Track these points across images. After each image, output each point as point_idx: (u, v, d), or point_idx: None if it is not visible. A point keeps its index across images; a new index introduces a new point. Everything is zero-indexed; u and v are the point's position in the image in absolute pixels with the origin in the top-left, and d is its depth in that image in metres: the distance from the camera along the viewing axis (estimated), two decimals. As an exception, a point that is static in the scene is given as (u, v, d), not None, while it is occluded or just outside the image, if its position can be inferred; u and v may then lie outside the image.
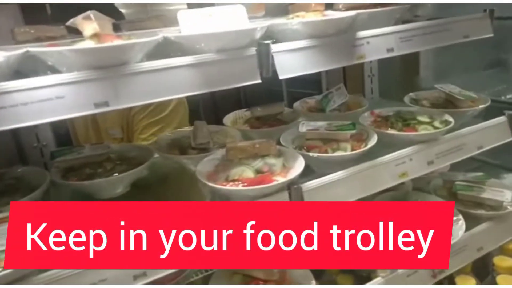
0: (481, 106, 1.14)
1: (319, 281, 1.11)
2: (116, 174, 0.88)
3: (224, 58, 0.74)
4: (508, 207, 1.14)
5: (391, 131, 1.03)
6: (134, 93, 0.67)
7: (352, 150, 0.95)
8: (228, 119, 1.21)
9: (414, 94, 1.28)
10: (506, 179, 1.68)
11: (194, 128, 1.06)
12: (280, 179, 0.82)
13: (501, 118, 1.16)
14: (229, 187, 0.80)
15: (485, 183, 1.21)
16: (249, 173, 0.83)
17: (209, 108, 2.61)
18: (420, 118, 1.06)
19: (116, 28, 0.92)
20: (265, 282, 0.89)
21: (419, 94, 1.28)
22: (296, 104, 1.32)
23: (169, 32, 0.75)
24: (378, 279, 0.96)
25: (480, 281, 1.11)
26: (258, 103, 1.24)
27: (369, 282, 0.96)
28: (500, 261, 1.07)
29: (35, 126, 1.07)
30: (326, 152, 0.95)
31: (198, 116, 1.55)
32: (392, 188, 1.24)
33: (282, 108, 1.24)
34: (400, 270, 0.98)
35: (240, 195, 0.81)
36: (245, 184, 0.80)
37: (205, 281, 1.04)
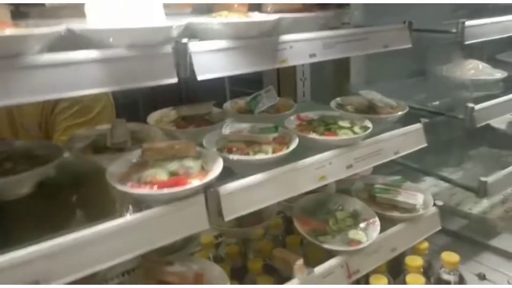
0: (399, 113, 1.20)
1: (243, 283, 1.11)
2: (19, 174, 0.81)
3: (135, 55, 0.70)
4: (420, 209, 1.21)
5: (312, 135, 1.04)
6: (28, 88, 0.61)
7: (274, 152, 0.95)
8: (152, 117, 1.17)
9: (340, 99, 1.32)
10: (426, 182, 1.80)
11: (111, 126, 1.01)
12: (194, 182, 0.80)
13: (417, 125, 1.22)
14: (138, 190, 0.76)
15: (401, 186, 1.27)
16: (162, 175, 0.80)
17: (149, 105, 2.54)
18: (341, 123, 1.09)
19: (23, 15, 0.85)
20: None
21: (345, 99, 1.32)
22: (226, 105, 1.31)
23: (75, 24, 0.69)
24: (295, 280, 0.97)
25: (394, 279, 1.16)
26: (199, 100, 1.21)
27: (287, 282, 0.96)
28: (411, 260, 1.13)
29: None
30: (247, 154, 0.95)
31: (136, 114, 1.48)
32: (315, 190, 1.28)
33: (210, 108, 1.21)
34: (316, 271, 1.00)
35: (151, 199, 0.77)
36: (156, 187, 0.77)
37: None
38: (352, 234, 1.09)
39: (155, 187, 0.77)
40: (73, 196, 0.84)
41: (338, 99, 1.31)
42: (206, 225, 0.83)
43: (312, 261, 1.03)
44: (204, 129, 1.09)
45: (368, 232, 1.11)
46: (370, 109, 1.23)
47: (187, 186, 0.78)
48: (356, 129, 1.07)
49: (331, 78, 1.72)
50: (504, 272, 1.29)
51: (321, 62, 0.98)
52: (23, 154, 0.90)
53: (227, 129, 0.99)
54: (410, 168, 1.63)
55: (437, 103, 1.76)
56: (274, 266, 1.11)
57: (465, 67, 1.80)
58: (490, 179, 1.36)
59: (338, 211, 1.17)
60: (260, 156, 0.94)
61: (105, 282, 1.02)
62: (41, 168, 0.81)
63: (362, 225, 1.13)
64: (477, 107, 1.35)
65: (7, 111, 1.33)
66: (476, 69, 1.84)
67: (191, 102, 1.20)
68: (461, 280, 1.15)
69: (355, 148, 1.06)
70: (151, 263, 0.91)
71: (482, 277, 1.27)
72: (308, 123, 1.13)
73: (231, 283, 0.95)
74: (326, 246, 1.04)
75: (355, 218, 1.15)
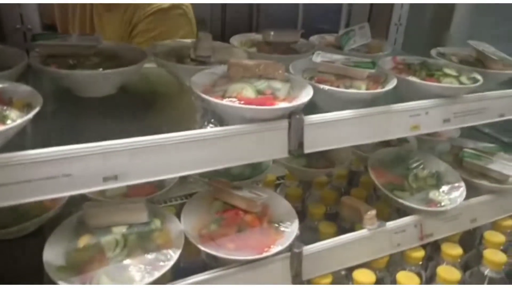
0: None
1: (301, 225, 1.06)
2: (101, 69, 0.78)
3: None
4: (513, 183, 1.08)
5: (412, 78, 0.92)
6: None
7: (367, 90, 0.86)
8: (235, 39, 1.10)
9: (442, 49, 1.17)
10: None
11: (197, 39, 0.95)
12: (282, 105, 0.73)
13: (531, 89, 1.06)
14: (224, 102, 0.71)
15: (495, 154, 1.13)
16: (249, 92, 0.74)
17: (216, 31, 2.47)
18: (447, 71, 0.96)
19: None
20: (245, 212, 0.83)
21: (448, 49, 1.17)
22: (313, 38, 1.21)
23: None
24: (364, 230, 0.91)
25: (465, 252, 1.06)
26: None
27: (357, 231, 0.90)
28: (492, 236, 1.02)
29: (20, 6, 0.95)
30: (338, 87, 0.86)
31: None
32: (395, 144, 1.18)
33: (297, 37, 1.12)
34: (388, 226, 0.93)
35: (235, 113, 0.72)
36: (242, 102, 0.71)
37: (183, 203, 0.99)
38: (433, 194, 1.00)
39: (242, 102, 0.71)
40: (152, 104, 0.81)
41: (439, 48, 1.16)
42: (285, 153, 0.77)
43: (378, 216, 0.96)
44: (290, 56, 1.01)
45: (451, 196, 1.00)
46: (478, 63, 1.07)
47: (275, 106, 0.71)
48: (463, 79, 0.94)
49: (428, 28, 1.54)
50: None
51: (420, 8, 0.85)
52: (109, 54, 0.87)
53: (318, 57, 0.90)
54: (500, 141, 1.47)
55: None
56: (337, 214, 1.06)
57: None
58: None
59: (418, 169, 1.07)
60: (352, 90, 0.84)
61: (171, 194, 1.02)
62: (126, 68, 0.78)
63: (445, 187, 1.02)
64: None
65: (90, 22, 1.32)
66: None
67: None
68: (545, 267, 1.03)
69: (457, 101, 0.94)
70: (220, 184, 0.88)
71: None
72: (406, 66, 1.00)
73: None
74: (402, 201, 0.96)
75: (438, 179, 1.05)
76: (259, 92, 0.76)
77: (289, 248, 0.80)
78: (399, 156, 1.11)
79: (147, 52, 0.88)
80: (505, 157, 1.14)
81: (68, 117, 0.77)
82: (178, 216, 0.83)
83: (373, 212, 0.91)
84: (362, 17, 1.50)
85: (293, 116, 0.75)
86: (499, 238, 1.02)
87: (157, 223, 0.76)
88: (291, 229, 0.83)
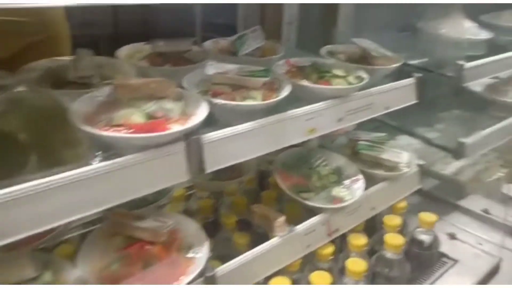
0: (394, 65, 1.11)
1: (215, 240, 1.04)
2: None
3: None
4: (403, 168, 1.17)
5: (305, 83, 0.94)
6: None
7: (263, 99, 0.85)
8: (122, 51, 1.01)
9: (331, 47, 1.21)
10: (400, 141, 1.78)
11: (75, 57, 0.85)
12: (175, 127, 0.69)
13: (409, 80, 1.15)
14: (109, 132, 0.64)
15: (386, 143, 1.22)
16: (139, 117, 0.68)
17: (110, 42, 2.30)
18: (336, 72, 0.99)
19: None
20: (151, 244, 0.77)
21: (336, 47, 1.22)
22: (207, 43, 1.17)
23: None
24: (276, 238, 0.91)
25: (369, 238, 1.14)
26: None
27: (268, 241, 0.90)
28: (390, 220, 1.11)
29: None
30: (233, 99, 0.84)
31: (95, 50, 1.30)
32: (298, 144, 1.20)
33: (190, 46, 1.07)
34: (298, 229, 0.94)
35: (124, 143, 0.66)
36: (132, 130, 0.65)
37: (82, 239, 0.89)
38: (336, 191, 1.04)
39: (131, 130, 0.65)
40: (27, 138, 0.71)
41: (328, 46, 1.20)
42: (185, 177, 0.73)
43: (288, 218, 0.97)
44: (184, 68, 0.96)
45: (352, 190, 1.06)
46: (363, 59, 1.13)
47: (168, 131, 0.67)
48: (351, 79, 0.99)
49: (318, 25, 1.59)
50: (474, 232, 1.31)
51: (309, 6, 0.86)
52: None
53: (212, 69, 0.87)
54: (388, 125, 1.60)
55: (422, 60, 1.71)
56: (249, 221, 1.05)
57: (451, 25, 1.74)
58: (468, 140, 1.34)
59: (321, 167, 1.11)
60: (249, 102, 0.83)
61: (65, 233, 0.92)
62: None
63: (346, 182, 1.08)
64: (467, 65, 1.30)
65: None
66: (461, 28, 1.78)
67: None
68: (436, 240, 1.15)
69: (348, 100, 0.98)
70: (119, 217, 0.81)
71: (453, 237, 1.29)
72: (299, 69, 1.02)
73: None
74: (309, 203, 0.98)
75: (339, 175, 1.09)
76: (149, 116, 0.70)
77: (201, 274, 0.77)
78: (302, 156, 1.14)
79: (14, 79, 0.76)
80: (395, 144, 1.24)
81: None
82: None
83: (282, 219, 0.92)
84: (254, 19, 1.50)
85: (190, 137, 0.71)
86: (396, 221, 1.10)
87: (47, 276, 0.67)
88: (202, 253, 0.80)
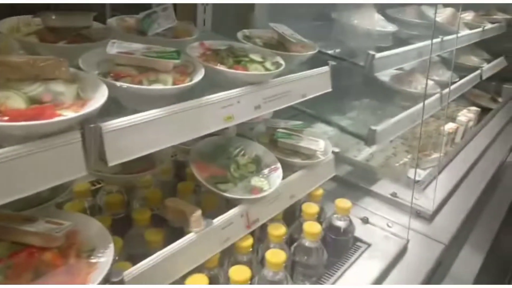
0: (311, 52, 1.10)
1: (127, 238, 0.94)
2: None
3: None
4: (320, 155, 1.18)
5: (220, 67, 0.88)
6: None
7: (174, 84, 0.77)
8: (4, 24, 0.85)
9: (248, 31, 1.17)
10: (316, 129, 1.81)
11: None
12: (68, 114, 0.58)
13: (325, 68, 1.16)
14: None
15: (303, 131, 1.22)
16: (18, 102, 0.56)
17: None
18: (253, 57, 0.95)
19: None
20: (43, 250, 0.66)
21: (253, 31, 1.18)
22: (110, 21, 1.04)
23: None
24: (191, 234, 0.85)
25: (288, 226, 1.13)
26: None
27: (183, 237, 0.83)
28: (307, 207, 1.10)
29: None
30: (140, 83, 0.75)
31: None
32: (215, 133, 1.14)
33: (89, 21, 0.95)
34: (215, 223, 0.89)
35: (2, 133, 0.54)
36: (8, 118, 0.53)
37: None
38: (255, 181, 1.01)
39: (7, 117, 0.53)
40: None
41: (245, 30, 1.16)
42: (82, 171, 0.63)
43: (206, 209, 0.92)
44: (81, 46, 0.84)
45: (271, 179, 1.03)
46: (280, 45, 1.11)
47: (56, 119, 0.56)
48: (268, 65, 0.95)
49: (234, 8, 1.54)
50: (384, 216, 1.37)
51: None
52: None
53: (114, 48, 0.77)
54: (305, 114, 1.61)
55: (334, 49, 1.75)
56: (163, 216, 0.97)
57: (363, 17, 1.81)
58: (379, 128, 1.40)
59: (239, 156, 1.06)
60: (157, 86, 0.75)
61: None
62: None
63: (265, 171, 1.04)
64: (378, 55, 1.35)
65: None
66: (371, 20, 1.86)
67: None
68: (351, 225, 1.18)
69: (265, 87, 0.94)
70: (2, 220, 0.68)
71: (365, 221, 1.33)
72: (214, 53, 0.96)
73: (112, 238, 0.78)
74: (227, 195, 0.93)
75: (258, 164, 1.06)
76: (33, 100, 0.58)
77: (106, 280, 0.67)
78: (220, 146, 1.08)
79: None
80: (312, 132, 1.24)
81: None
82: None
83: (198, 213, 0.85)
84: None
85: (86, 126, 0.61)
86: (314, 209, 1.10)
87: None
88: (106, 256, 0.70)
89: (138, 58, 0.77)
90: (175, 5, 1.47)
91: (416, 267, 1.18)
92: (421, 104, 1.59)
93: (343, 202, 1.17)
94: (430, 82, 1.95)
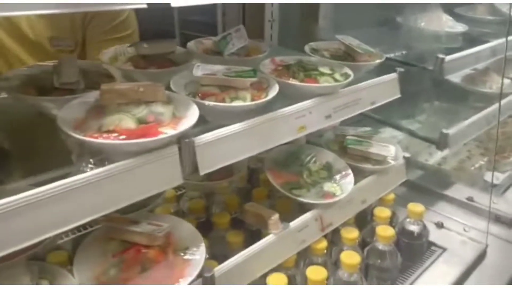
0: (378, 61, 1.13)
1: (209, 239, 1.04)
2: None
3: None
4: (391, 161, 1.19)
5: (293, 81, 0.95)
6: None
7: (252, 99, 0.85)
8: (105, 55, 1.00)
9: (315, 44, 1.22)
10: (384, 134, 1.81)
11: (58, 63, 0.84)
12: (169, 131, 0.69)
13: (393, 75, 1.17)
14: (101, 139, 0.64)
15: (373, 137, 1.24)
16: (129, 123, 0.67)
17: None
18: (322, 69, 1.01)
19: None
20: (147, 248, 0.77)
21: (319, 44, 1.23)
22: (190, 44, 1.16)
23: None
24: (270, 236, 0.92)
25: (361, 231, 1.15)
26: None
27: (263, 239, 0.91)
28: (380, 212, 1.13)
29: None
30: (223, 100, 0.84)
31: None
32: (287, 142, 1.21)
33: (174, 47, 1.07)
34: (292, 226, 0.95)
35: (118, 150, 0.65)
36: (124, 136, 0.64)
37: (75, 244, 0.88)
38: (327, 186, 1.05)
39: (123, 136, 0.64)
40: (16, 147, 0.69)
41: (312, 43, 1.21)
42: (179, 180, 0.73)
43: (280, 214, 0.98)
44: (169, 70, 0.95)
45: (342, 184, 1.07)
46: (347, 56, 1.15)
47: (161, 136, 0.66)
48: (337, 76, 1.00)
49: (299, 22, 1.60)
50: (459, 220, 1.34)
51: (289, 4, 0.87)
52: None
53: (199, 70, 0.87)
54: (372, 119, 1.63)
55: (401, 53, 1.74)
56: (242, 220, 1.06)
57: (430, 19, 1.78)
58: (451, 131, 1.38)
59: (311, 163, 1.12)
60: (239, 103, 0.83)
61: (56, 239, 0.90)
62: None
63: (336, 177, 1.09)
64: (447, 58, 1.33)
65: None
66: (438, 21, 1.82)
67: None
68: (425, 229, 1.18)
69: (335, 97, 0.99)
70: (113, 222, 0.80)
71: (440, 226, 1.32)
72: (285, 68, 1.03)
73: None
74: (301, 199, 0.99)
75: (329, 170, 1.11)
76: (141, 120, 0.70)
77: (200, 275, 0.77)
78: (292, 153, 1.14)
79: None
80: (381, 138, 1.26)
81: None
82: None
83: (276, 217, 0.92)
84: (236, 18, 1.50)
85: (182, 141, 0.71)
86: (386, 213, 1.12)
87: (44, 285, 0.66)
88: (199, 254, 0.80)
89: (220, 78, 0.86)
90: (243, 21, 1.58)
91: (497, 272, 1.15)
92: (496, 105, 1.53)
93: (415, 206, 1.17)
94: (507, 81, 1.86)
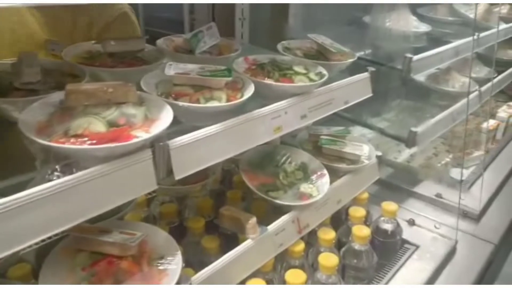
0: (350, 60, 1.13)
1: (183, 245, 1.00)
2: None
3: None
4: (365, 160, 1.20)
5: (268, 81, 0.93)
6: None
7: (228, 100, 0.82)
8: (68, 52, 0.94)
9: (287, 43, 1.21)
10: (354, 131, 1.83)
11: (17, 61, 0.77)
12: (142, 135, 0.64)
13: (365, 74, 1.18)
14: (69, 145, 0.59)
15: (346, 137, 1.24)
16: (98, 126, 0.63)
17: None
18: (296, 69, 0.99)
19: None
20: (120, 258, 0.72)
21: (291, 42, 1.21)
22: (160, 42, 1.11)
23: None
24: (248, 241, 0.89)
25: (336, 231, 1.15)
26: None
27: (241, 244, 0.88)
28: (355, 211, 1.13)
29: None
30: (197, 101, 0.80)
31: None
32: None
33: (143, 45, 1.02)
34: (270, 229, 0.93)
35: (87, 155, 0.60)
36: (94, 141, 0.60)
37: (39, 255, 0.82)
38: (303, 187, 1.04)
39: (93, 141, 0.59)
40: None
41: (284, 42, 1.20)
42: (154, 186, 0.69)
43: (256, 217, 0.96)
44: (139, 69, 0.90)
45: (319, 185, 1.06)
46: (320, 55, 1.14)
47: (134, 140, 0.62)
48: (312, 75, 0.99)
49: (269, 20, 1.59)
50: (430, 217, 1.37)
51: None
52: None
53: (171, 69, 0.83)
54: (343, 118, 1.64)
55: (368, 52, 1.76)
56: (217, 224, 1.02)
57: (397, 19, 1.81)
58: (419, 129, 1.40)
59: (286, 164, 1.10)
60: (214, 104, 0.80)
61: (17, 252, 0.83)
62: None
63: (312, 177, 1.08)
64: (415, 58, 1.36)
65: None
66: (405, 21, 1.86)
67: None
68: (398, 227, 1.19)
69: (310, 96, 0.98)
70: (82, 232, 0.75)
71: (412, 223, 1.34)
72: (259, 67, 1.00)
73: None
74: (279, 202, 0.97)
75: (305, 171, 1.09)
76: (111, 123, 0.65)
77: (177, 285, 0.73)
78: (267, 154, 1.12)
79: None
80: (354, 138, 1.26)
81: None
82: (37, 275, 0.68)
83: (253, 220, 0.90)
84: (205, 16, 1.46)
85: (156, 144, 0.67)
86: (361, 212, 1.12)
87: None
88: (175, 263, 0.76)
89: (194, 77, 0.83)
90: (213, 19, 1.54)
91: (467, 267, 1.18)
92: (460, 103, 1.58)
93: (389, 205, 1.18)
94: (468, 80, 1.93)
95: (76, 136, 0.61)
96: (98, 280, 0.69)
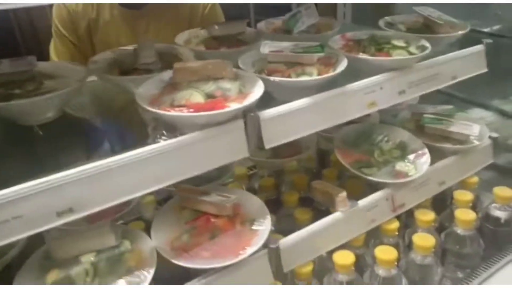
0: (460, 32, 1.04)
1: (277, 216, 1.06)
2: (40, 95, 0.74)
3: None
4: (474, 141, 1.10)
5: (362, 56, 0.92)
6: None
7: (319, 75, 0.85)
8: (180, 38, 1.06)
9: (390, 18, 1.16)
10: (471, 114, 1.66)
11: (138, 46, 0.91)
12: (234, 105, 0.71)
13: (479, 47, 1.07)
14: (172, 112, 0.68)
15: (454, 116, 1.15)
16: (198, 97, 0.72)
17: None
18: (395, 43, 0.96)
19: None
20: (217, 217, 0.81)
21: (395, 18, 1.17)
22: (260, 25, 1.18)
23: None
24: (337, 213, 0.91)
25: (438, 214, 1.09)
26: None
27: (330, 215, 0.90)
28: (460, 195, 1.05)
29: None
30: (289, 76, 0.84)
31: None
32: (357, 120, 1.18)
33: (243, 27, 1.09)
34: (360, 204, 0.93)
35: (186, 122, 0.69)
36: (192, 110, 0.68)
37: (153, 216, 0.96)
38: (400, 166, 1.01)
39: (192, 109, 0.68)
40: (102, 121, 0.78)
41: (387, 17, 1.16)
42: (245, 153, 0.75)
43: (351, 194, 0.96)
44: (238, 50, 0.98)
45: (417, 164, 1.02)
46: (426, 28, 1.08)
47: (227, 109, 0.69)
48: (412, 49, 0.94)
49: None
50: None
51: None
52: (45, 76, 0.82)
53: (266, 48, 0.88)
54: (456, 98, 1.51)
55: (496, 27, 1.57)
56: (311, 198, 1.06)
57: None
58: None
59: (383, 142, 1.07)
60: (304, 78, 0.83)
61: (138, 211, 0.99)
62: (64, 91, 0.74)
63: (410, 156, 1.04)
64: (547, 27, 1.18)
65: None
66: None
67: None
68: (513, 216, 1.07)
69: (410, 71, 0.94)
70: (186, 192, 0.86)
71: (533, 214, 1.18)
72: (356, 43, 1.00)
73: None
74: (371, 178, 0.96)
75: (403, 150, 1.06)
76: (209, 95, 0.73)
77: (265, 245, 0.79)
78: (363, 132, 1.11)
79: (85, 69, 0.84)
80: (463, 116, 1.16)
81: (10, 149, 0.73)
82: (149, 229, 0.81)
83: (343, 194, 0.91)
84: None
85: (247, 115, 0.73)
86: (468, 196, 1.04)
87: (126, 244, 0.74)
88: (265, 225, 0.82)
89: (286, 55, 0.87)
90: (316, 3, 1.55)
91: None
92: None
93: (503, 190, 1.07)
94: None
95: (180, 106, 0.71)
96: (198, 233, 0.79)
